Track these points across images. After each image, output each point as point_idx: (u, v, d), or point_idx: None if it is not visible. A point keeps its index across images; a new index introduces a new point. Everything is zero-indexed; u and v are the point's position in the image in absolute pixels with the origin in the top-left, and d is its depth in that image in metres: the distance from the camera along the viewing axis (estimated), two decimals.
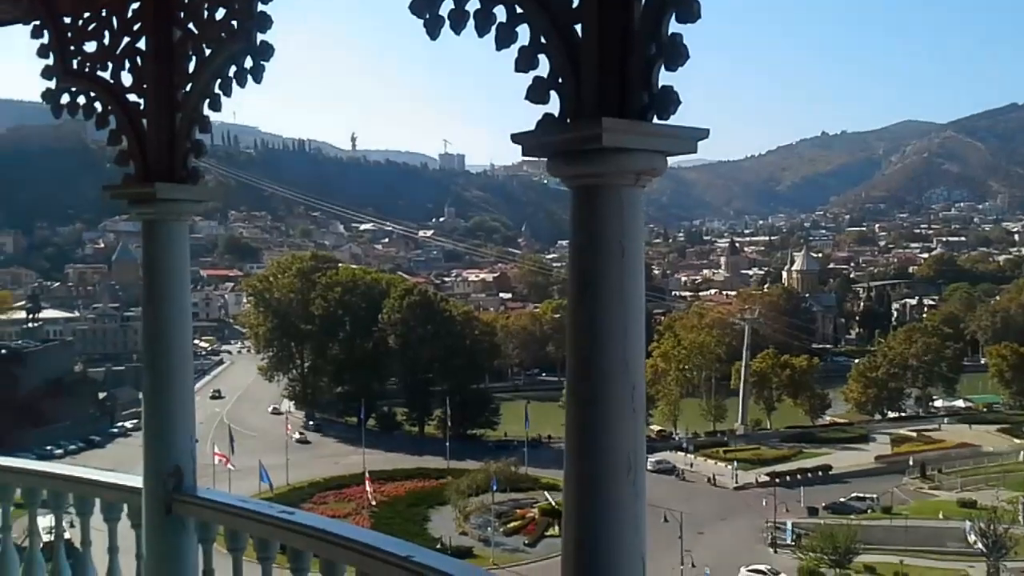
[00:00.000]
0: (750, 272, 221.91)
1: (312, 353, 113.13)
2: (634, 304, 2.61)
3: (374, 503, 69.02)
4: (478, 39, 2.78)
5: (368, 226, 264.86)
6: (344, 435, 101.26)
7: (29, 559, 4.97)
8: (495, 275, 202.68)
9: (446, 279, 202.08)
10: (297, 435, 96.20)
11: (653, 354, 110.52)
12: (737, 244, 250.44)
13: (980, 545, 58.60)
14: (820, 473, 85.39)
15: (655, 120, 2.55)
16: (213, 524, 4.32)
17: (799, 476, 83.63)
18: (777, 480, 79.64)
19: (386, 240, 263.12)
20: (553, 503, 70.56)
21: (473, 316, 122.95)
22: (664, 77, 2.56)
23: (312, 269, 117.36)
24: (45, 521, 4.99)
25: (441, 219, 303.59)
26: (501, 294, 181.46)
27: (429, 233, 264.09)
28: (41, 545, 4.99)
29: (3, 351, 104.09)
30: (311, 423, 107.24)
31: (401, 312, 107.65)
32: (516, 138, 2.72)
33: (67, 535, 4.94)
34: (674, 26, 2.54)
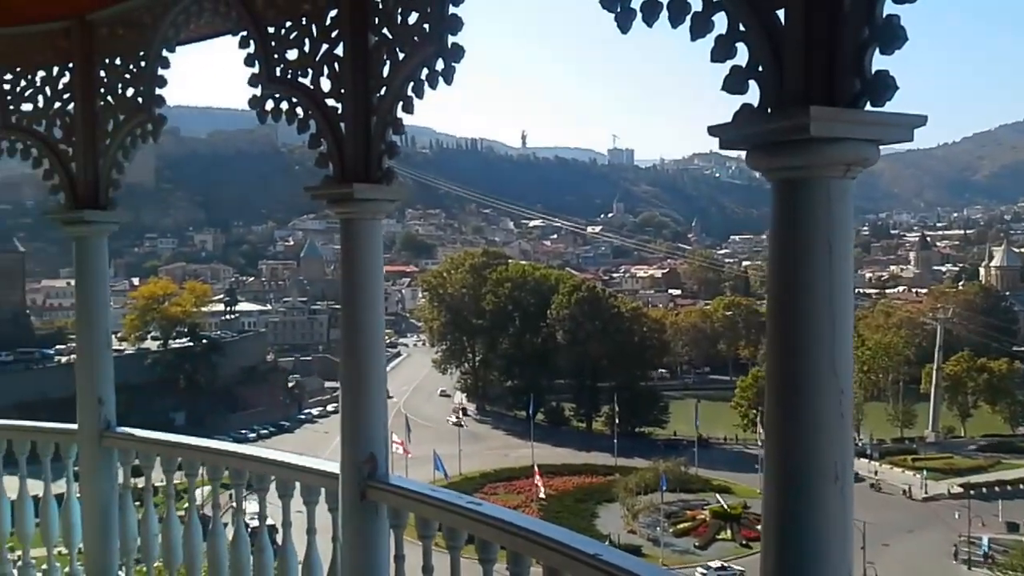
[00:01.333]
0: (942, 268, 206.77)
1: (483, 347, 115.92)
2: (843, 306, 2.46)
3: (543, 496, 69.74)
4: (660, 30, 2.72)
5: (537, 223, 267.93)
6: (513, 428, 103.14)
7: (236, 536, 5.33)
8: (664, 271, 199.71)
9: (614, 275, 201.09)
10: (458, 420, 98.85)
11: None
12: (928, 238, 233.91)
13: None
14: (1021, 486, 78.61)
15: (868, 107, 2.40)
16: (404, 511, 4.48)
17: (997, 488, 77.39)
18: (972, 492, 74.08)
19: (554, 236, 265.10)
20: (725, 506, 68.82)
21: (642, 313, 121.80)
22: (878, 61, 2.40)
23: (483, 265, 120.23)
24: (251, 505, 5.36)
25: (609, 215, 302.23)
26: (670, 291, 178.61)
27: (597, 229, 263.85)
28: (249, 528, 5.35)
29: (204, 340, 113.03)
30: (482, 416, 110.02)
31: (569, 308, 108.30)
32: (713, 130, 2.63)
33: (268, 520, 5.27)
34: (890, 6, 2.38)
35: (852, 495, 2.49)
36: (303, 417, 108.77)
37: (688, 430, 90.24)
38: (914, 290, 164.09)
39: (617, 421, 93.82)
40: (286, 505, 5.08)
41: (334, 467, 4.75)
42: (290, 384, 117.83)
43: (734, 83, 2.61)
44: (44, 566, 6.38)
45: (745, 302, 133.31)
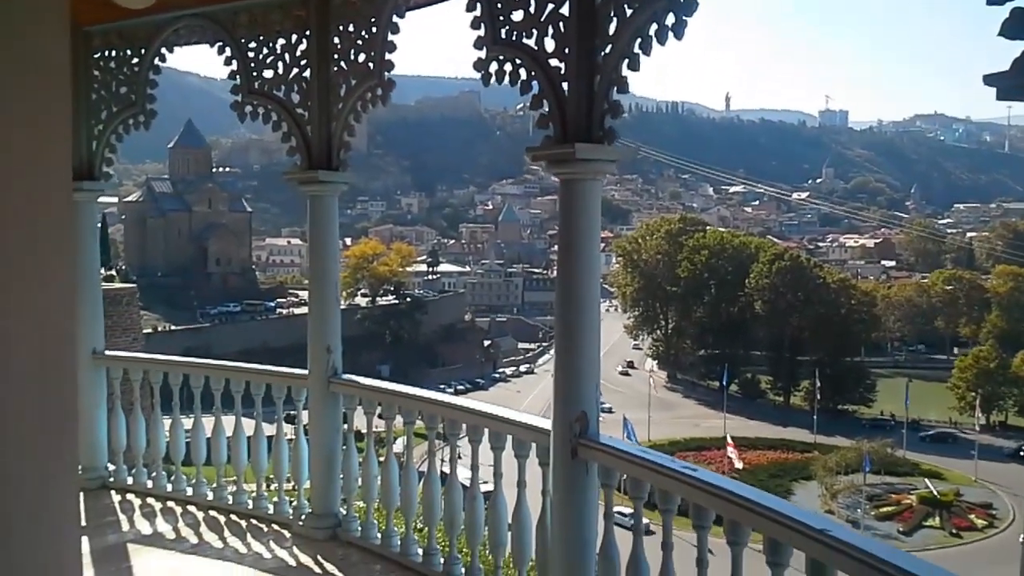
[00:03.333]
0: None
1: (676, 315, 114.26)
2: None
3: (737, 468, 68.15)
4: None
5: (738, 188, 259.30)
6: (704, 398, 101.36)
7: (450, 484, 5.58)
8: (877, 241, 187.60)
9: (820, 244, 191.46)
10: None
11: None
12: None
13: None
14: None
15: None
16: (615, 471, 4.49)
17: None
18: None
19: (756, 203, 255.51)
20: (935, 492, 64.42)
21: (850, 284, 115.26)
22: None
23: (679, 232, 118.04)
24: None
25: (818, 180, 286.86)
26: (883, 262, 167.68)
27: (804, 195, 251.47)
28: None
29: (408, 299, 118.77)
30: (673, 384, 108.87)
31: (770, 277, 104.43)
32: (990, 79, 2.39)
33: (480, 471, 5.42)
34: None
35: None
36: (496, 376, 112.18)
37: (897, 409, 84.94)
38: None
39: (818, 396, 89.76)
40: (498, 458, 5.24)
41: (546, 423, 4.83)
42: (486, 343, 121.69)
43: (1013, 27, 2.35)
44: (275, 499, 6.95)
45: (968, 276, 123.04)
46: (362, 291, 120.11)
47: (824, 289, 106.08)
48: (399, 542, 6.00)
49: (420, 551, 5.88)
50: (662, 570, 4.11)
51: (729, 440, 70.85)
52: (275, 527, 6.70)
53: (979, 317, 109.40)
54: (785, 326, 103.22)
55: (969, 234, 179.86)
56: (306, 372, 6.61)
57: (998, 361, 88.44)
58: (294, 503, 6.77)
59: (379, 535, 6.18)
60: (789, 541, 3.38)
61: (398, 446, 6.50)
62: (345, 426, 6.52)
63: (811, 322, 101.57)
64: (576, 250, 4.57)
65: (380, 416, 6.11)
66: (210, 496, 7.24)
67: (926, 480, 68.86)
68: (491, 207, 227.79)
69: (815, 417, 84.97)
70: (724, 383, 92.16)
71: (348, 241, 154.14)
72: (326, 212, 6.49)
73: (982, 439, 77.26)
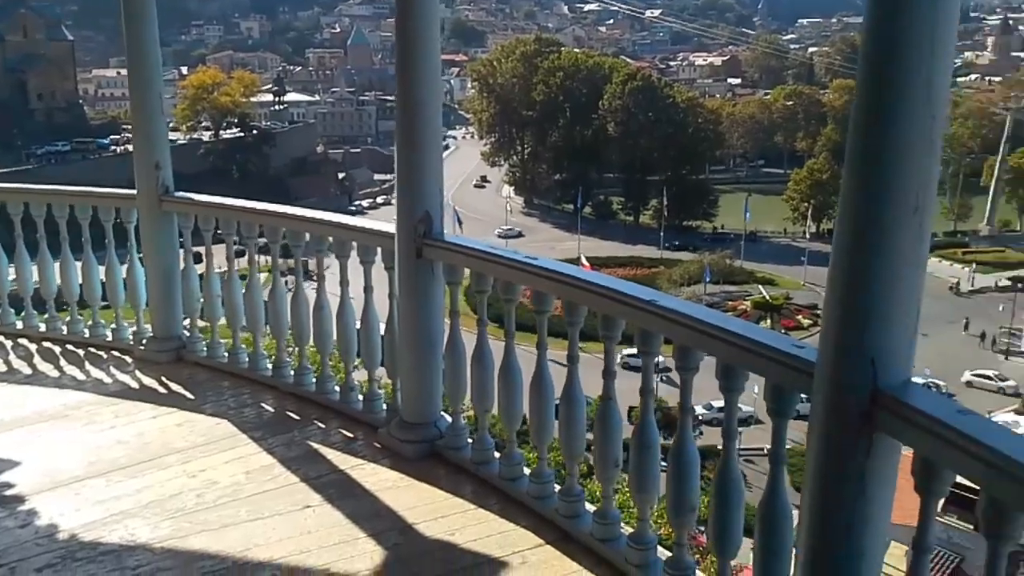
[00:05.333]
0: (1022, 55, 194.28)
1: (532, 140, 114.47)
2: (944, 36, 2.25)
3: None
4: None
5: (593, 6, 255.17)
6: (560, 222, 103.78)
7: (296, 295, 5.49)
8: (724, 59, 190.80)
9: (671, 63, 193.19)
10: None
11: None
12: (1011, 21, 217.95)
13: None
14: None
15: None
16: (459, 268, 4.52)
17: None
18: (1019, 285, 73.71)
19: (611, 21, 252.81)
20: (767, 297, 69.76)
21: (697, 103, 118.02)
22: None
23: (535, 53, 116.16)
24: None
25: None
26: (729, 79, 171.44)
27: (656, 12, 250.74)
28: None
29: (254, 131, 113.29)
30: (529, 209, 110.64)
31: (622, 98, 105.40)
32: None
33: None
34: None
35: (930, 227, 2.38)
36: (353, 209, 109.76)
37: (737, 223, 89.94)
38: (988, 78, 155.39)
39: (665, 214, 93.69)
40: (343, 266, 5.17)
41: (390, 227, 4.77)
42: (340, 176, 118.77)
43: None
44: (113, 325, 6.68)
45: (808, 91, 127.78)
46: (204, 124, 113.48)
47: (673, 109, 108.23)
48: (247, 358, 5.94)
49: (270, 365, 5.85)
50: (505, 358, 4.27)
51: (583, 260, 73.44)
52: (115, 354, 6.47)
53: (816, 131, 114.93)
54: (637, 147, 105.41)
55: (811, 49, 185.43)
56: (134, 192, 6.22)
57: (830, 172, 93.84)
58: (134, 328, 6.53)
59: (226, 353, 6.09)
60: (620, 314, 3.53)
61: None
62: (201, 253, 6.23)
63: (660, 142, 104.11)
64: (415, 57, 4.40)
65: (218, 232, 5.87)
66: (42, 328, 6.88)
67: (760, 287, 74.29)
68: (339, 30, 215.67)
69: (662, 234, 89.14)
70: (578, 206, 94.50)
71: (184, 70, 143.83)
72: (142, 5, 5.86)
73: (812, 246, 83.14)
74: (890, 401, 2.39)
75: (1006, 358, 61.85)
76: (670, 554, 3.48)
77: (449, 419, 4.75)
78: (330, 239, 5.23)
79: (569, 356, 3.86)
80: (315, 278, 5.26)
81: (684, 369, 3.24)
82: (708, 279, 70.06)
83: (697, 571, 3.43)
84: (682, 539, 3.45)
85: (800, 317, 66.54)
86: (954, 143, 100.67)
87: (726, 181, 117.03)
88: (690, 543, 3.55)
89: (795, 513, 2.80)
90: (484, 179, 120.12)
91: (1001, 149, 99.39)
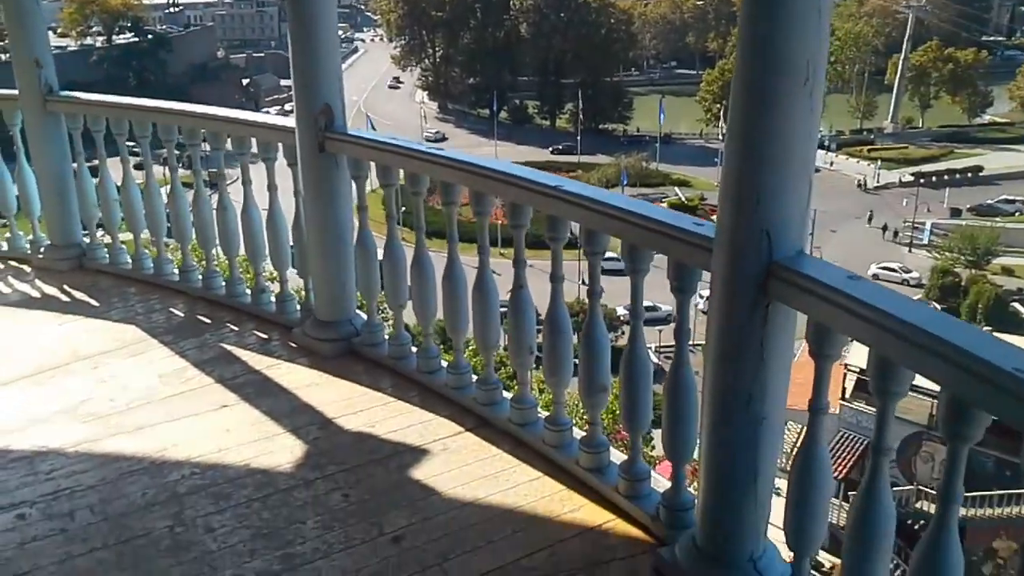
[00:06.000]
0: None
1: (444, 42, 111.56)
2: None
3: None
4: None
5: None
6: (476, 127, 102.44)
7: (197, 196, 5.31)
8: None
9: None
10: (426, 133, 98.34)
11: None
12: None
13: None
14: (969, 174, 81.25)
15: None
16: (364, 162, 4.42)
17: (946, 177, 79.98)
18: (922, 180, 76.66)
19: None
20: (683, 198, 70.96)
21: (609, 3, 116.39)
22: None
23: None
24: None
25: None
26: None
27: None
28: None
29: (150, 36, 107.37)
30: (444, 115, 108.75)
31: None
32: None
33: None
34: None
35: (820, 101, 2.42)
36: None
37: (652, 125, 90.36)
38: None
39: (581, 118, 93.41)
40: (244, 163, 5.00)
41: (290, 122, 4.62)
42: (244, 82, 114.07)
43: None
44: (7, 235, 6.38)
45: None
46: (95, 29, 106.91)
47: (585, 8, 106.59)
48: (152, 264, 5.76)
49: (176, 270, 5.69)
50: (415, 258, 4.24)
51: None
52: (12, 263, 6.21)
53: (726, 31, 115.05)
54: (550, 49, 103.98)
55: None
56: (15, 92, 5.85)
57: None
58: (30, 237, 6.24)
59: (129, 259, 5.89)
60: (528, 201, 3.52)
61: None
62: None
63: (574, 44, 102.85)
64: None
65: (110, 131, 5.58)
66: None
67: (676, 189, 75.42)
68: None
69: (579, 138, 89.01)
70: (494, 111, 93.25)
71: None
72: None
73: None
74: (784, 271, 2.46)
75: (910, 250, 64.66)
76: (584, 433, 3.58)
77: (364, 316, 4.72)
78: (228, 136, 5.04)
79: (480, 247, 3.85)
80: (218, 182, 5.09)
81: (598, 256, 3.27)
82: (625, 182, 70.64)
83: (611, 448, 3.55)
84: (595, 419, 3.55)
85: (715, 217, 67.88)
86: (859, 41, 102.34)
87: (640, 83, 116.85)
88: (613, 437, 3.67)
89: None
90: (398, 80, 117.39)
91: (904, 47, 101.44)
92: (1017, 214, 71.01)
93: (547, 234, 3.47)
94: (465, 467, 3.65)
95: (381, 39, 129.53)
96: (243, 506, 3.43)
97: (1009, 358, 1.89)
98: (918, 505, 27.69)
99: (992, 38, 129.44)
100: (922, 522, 24.67)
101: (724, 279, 2.60)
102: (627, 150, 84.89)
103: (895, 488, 23.96)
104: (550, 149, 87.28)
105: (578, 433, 3.68)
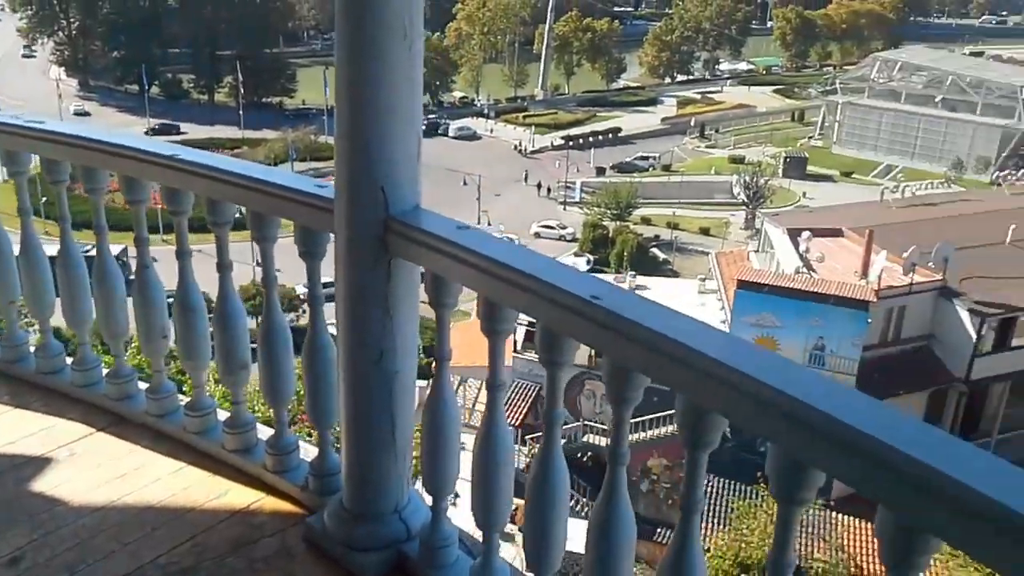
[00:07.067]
0: None
1: (80, 12, 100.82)
2: None
3: None
4: None
5: None
6: (125, 104, 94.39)
7: None
8: None
9: None
10: (73, 107, 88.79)
11: (457, 16, 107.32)
12: None
13: (743, 196, 65.44)
14: (610, 135, 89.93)
15: None
16: None
17: (591, 139, 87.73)
18: (570, 143, 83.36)
19: None
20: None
21: None
22: None
23: None
24: None
25: None
26: None
27: None
28: None
29: None
30: (86, 92, 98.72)
31: None
32: None
33: None
34: None
35: (421, 55, 2.48)
36: None
37: (318, 98, 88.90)
38: None
39: (242, 91, 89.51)
40: None
41: None
42: None
43: None
44: None
45: None
46: None
47: None
48: None
49: None
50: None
51: None
52: None
53: None
54: (201, 19, 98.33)
55: None
56: None
57: None
58: None
59: None
60: (142, 173, 3.28)
61: None
62: None
63: (227, 13, 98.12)
64: None
65: None
66: None
67: None
68: None
69: (241, 113, 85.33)
70: (145, 86, 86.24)
71: None
72: None
73: None
74: (400, 226, 2.51)
75: (564, 208, 70.13)
76: (228, 414, 3.44)
77: None
78: None
79: (96, 226, 3.52)
80: None
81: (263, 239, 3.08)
82: (294, 157, 69.01)
83: (257, 424, 3.44)
84: (238, 397, 3.42)
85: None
86: (508, 13, 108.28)
87: (302, 55, 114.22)
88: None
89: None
90: (31, 48, 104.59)
91: (548, 17, 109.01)
92: (651, 169, 79.88)
93: (208, 218, 3.22)
94: (96, 470, 3.34)
95: (4, 8, 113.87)
96: None
97: (584, 284, 2.08)
98: (585, 439, 30.42)
99: (622, 8, 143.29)
100: (590, 453, 27.25)
101: (346, 239, 2.60)
102: (294, 124, 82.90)
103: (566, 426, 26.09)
104: (146, 129, 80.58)
105: (223, 414, 3.52)
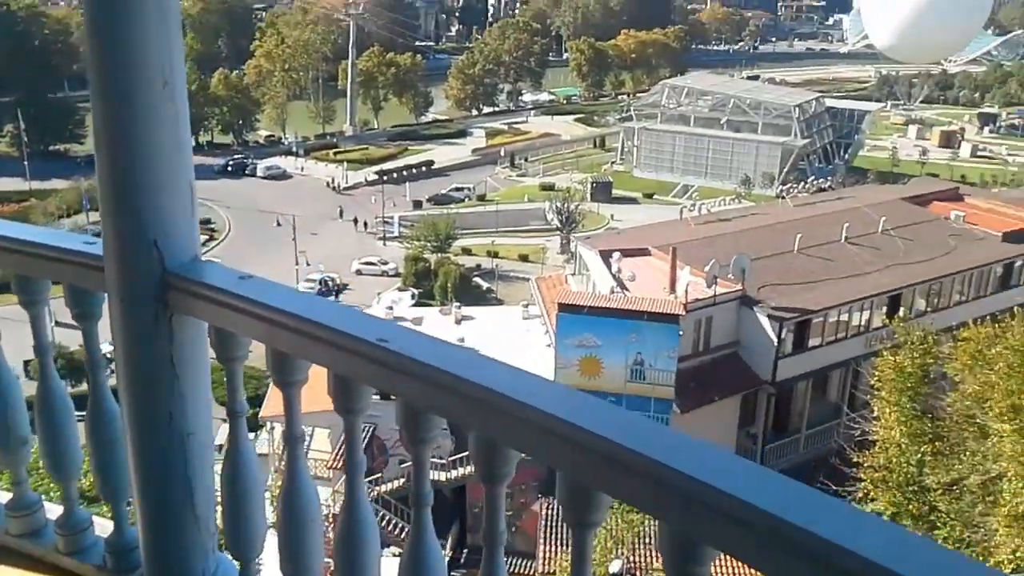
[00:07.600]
0: None
1: None
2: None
3: None
4: None
5: None
6: None
7: None
8: None
9: None
10: None
11: (256, 54, 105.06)
12: None
13: (556, 221, 67.58)
14: (424, 168, 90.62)
15: None
16: None
17: (405, 172, 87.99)
18: (385, 178, 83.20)
19: None
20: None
21: (41, 12, 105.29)
22: None
23: None
24: None
25: None
26: None
27: None
28: None
29: None
30: None
31: None
32: None
33: None
34: None
35: (185, 103, 2.38)
36: None
37: None
38: None
39: (26, 140, 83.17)
40: None
41: None
42: None
43: None
44: None
45: None
46: None
47: (11, 18, 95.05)
48: None
49: None
50: None
51: None
52: None
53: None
54: None
55: None
56: None
57: (199, 83, 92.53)
58: None
59: None
60: None
61: None
62: None
63: (3, 57, 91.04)
64: None
65: None
66: None
67: None
68: None
69: (26, 163, 79.35)
70: None
71: None
72: None
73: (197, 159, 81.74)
74: (179, 280, 2.38)
75: (384, 243, 69.69)
76: (10, 495, 3.14)
77: None
78: None
79: None
80: None
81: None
82: (88, 207, 64.79)
83: (45, 504, 3.15)
84: (20, 476, 3.12)
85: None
86: (308, 49, 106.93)
87: (88, 99, 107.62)
88: None
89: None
90: None
91: (350, 53, 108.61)
92: (467, 200, 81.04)
93: None
94: None
95: None
96: None
97: (372, 328, 2.06)
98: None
99: (424, 43, 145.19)
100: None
101: (120, 298, 2.44)
102: (86, 172, 77.60)
103: None
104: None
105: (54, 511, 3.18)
